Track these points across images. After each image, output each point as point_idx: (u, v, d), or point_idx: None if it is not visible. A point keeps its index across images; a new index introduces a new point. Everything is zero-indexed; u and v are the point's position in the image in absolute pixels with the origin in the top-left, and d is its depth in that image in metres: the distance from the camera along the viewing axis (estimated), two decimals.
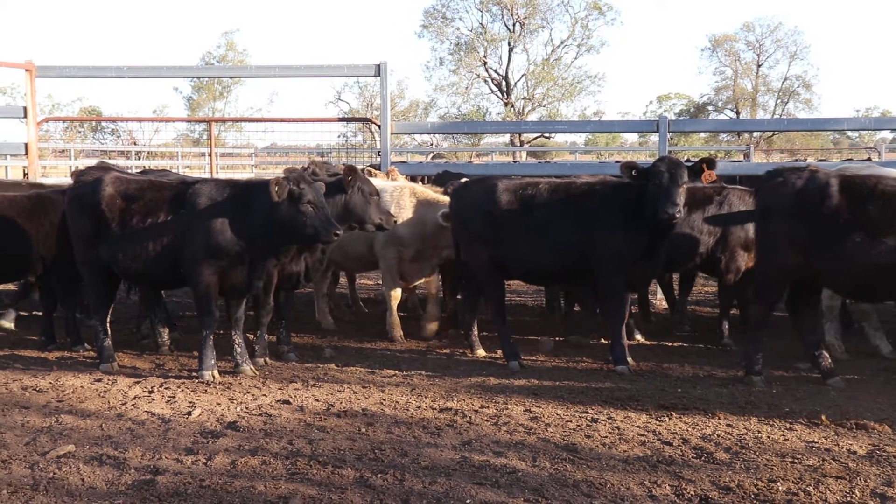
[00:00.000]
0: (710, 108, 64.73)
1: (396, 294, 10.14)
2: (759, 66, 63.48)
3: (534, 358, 9.13)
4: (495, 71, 58.12)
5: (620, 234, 8.43)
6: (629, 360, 8.61)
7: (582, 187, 8.86)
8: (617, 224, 8.45)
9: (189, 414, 7.00)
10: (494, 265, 8.97)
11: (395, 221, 9.15)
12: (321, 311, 10.85)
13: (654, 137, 14.90)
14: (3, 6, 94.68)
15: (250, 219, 7.99)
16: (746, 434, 6.52)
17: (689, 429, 6.66)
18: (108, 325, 8.77)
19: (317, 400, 7.44)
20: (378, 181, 10.23)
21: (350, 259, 10.47)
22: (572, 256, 8.66)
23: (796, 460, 5.94)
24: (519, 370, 8.64)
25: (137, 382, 8.02)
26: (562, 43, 58.08)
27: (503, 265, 8.98)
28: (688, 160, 22.44)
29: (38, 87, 13.57)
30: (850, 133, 53.29)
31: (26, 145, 13.39)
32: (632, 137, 62.33)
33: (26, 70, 13.29)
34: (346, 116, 49.50)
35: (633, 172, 8.36)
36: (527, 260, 8.80)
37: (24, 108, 13.37)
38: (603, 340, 9.78)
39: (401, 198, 9.96)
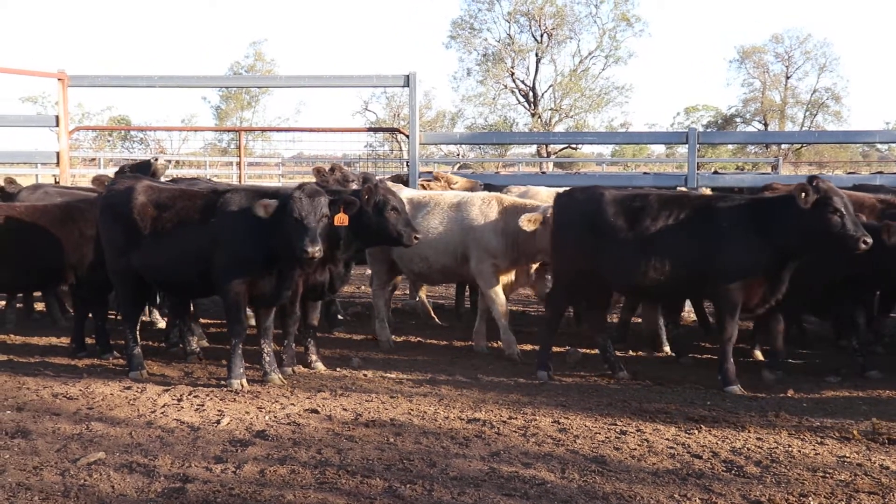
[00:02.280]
0: (737, 119, 64.50)
1: (504, 309, 9.76)
2: (787, 77, 63.20)
3: (562, 372, 9.10)
4: (522, 82, 58.10)
5: (747, 254, 8.11)
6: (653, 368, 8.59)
7: (701, 201, 8.55)
8: (743, 243, 8.11)
9: (218, 422, 7.02)
10: (592, 276, 8.73)
11: (418, 237, 8.79)
12: (381, 326, 10.42)
13: (682, 149, 14.87)
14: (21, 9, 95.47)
15: (278, 228, 7.98)
16: (777, 448, 6.47)
17: (719, 442, 6.62)
18: (137, 332, 8.83)
19: (345, 409, 7.45)
20: (464, 192, 10.08)
21: (434, 271, 10.18)
22: (688, 273, 8.31)
23: (828, 475, 5.89)
24: (547, 380, 8.62)
25: (167, 390, 8.06)
26: (589, 54, 58.01)
27: (604, 276, 8.70)
28: (715, 172, 22.32)
29: (68, 96, 13.71)
30: (879, 146, 52.86)
31: (58, 154, 13.55)
32: (658, 149, 62.31)
33: (59, 79, 13.44)
34: (373, 126, 49.69)
35: (805, 195, 7.86)
36: (636, 273, 8.39)
37: (56, 118, 13.52)
38: (633, 352, 9.79)
39: (489, 208, 9.72)
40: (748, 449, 6.45)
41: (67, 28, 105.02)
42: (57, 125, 13.49)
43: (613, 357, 8.91)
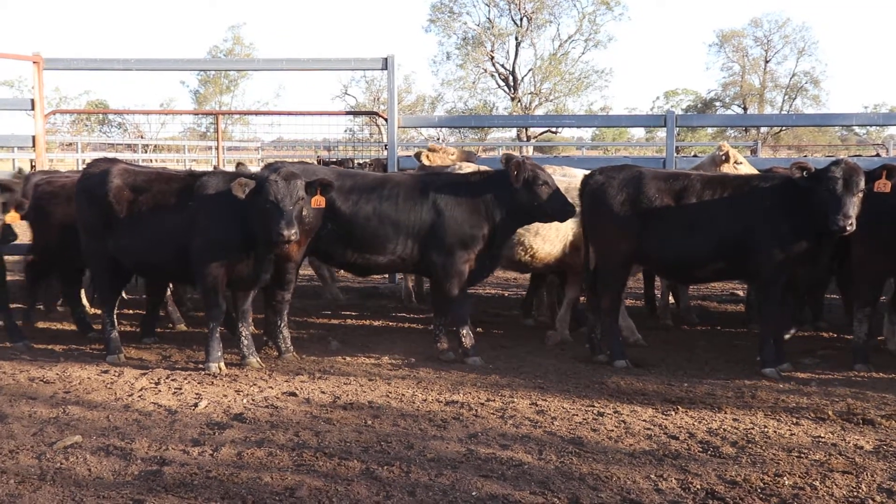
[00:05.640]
0: (717, 103, 64.74)
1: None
2: (766, 61, 63.48)
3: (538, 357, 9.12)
4: (502, 66, 58.15)
5: (788, 234, 8.04)
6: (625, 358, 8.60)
7: (742, 181, 8.52)
8: (784, 222, 8.05)
9: (196, 405, 7.01)
10: (631, 258, 8.67)
11: (572, 210, 8.64)
12: (559, 328, 9.84)
13: (662, 133, 14.89)
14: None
15: (254, 210, 7.92)
16: (753, 428, 6.51)
17: (696, 423, 6.65)
18: (114, 316, 8.79)
19: (323, 392, 7.45)
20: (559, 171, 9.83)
21: (537, 259, 9.64)
22: (731, 253, 8.27)
23: (803, 455, 5.93)
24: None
25: (144, 374, 8.03)
26: (569, 38, 58.13)
27: (646, 258, 8.70)
28: (695, 155, 22.38)
29: (45, 79, 13.57)
30: (857, 129, 53.22)
31: (34, 138, 13.40)
32: (639, 133, 62.56)
33: (34, 62, 13.28)
34: (352, 110, 49.52)
35: (804, 173, 7.90)
36: (678, 254, 8.41)
37: (32, 101, 13.36)
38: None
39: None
40: (724, 430, 6.49)
41: (43, 10, 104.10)
42: (32, 108, 13.34)
43: (596, 340, 8.88)
